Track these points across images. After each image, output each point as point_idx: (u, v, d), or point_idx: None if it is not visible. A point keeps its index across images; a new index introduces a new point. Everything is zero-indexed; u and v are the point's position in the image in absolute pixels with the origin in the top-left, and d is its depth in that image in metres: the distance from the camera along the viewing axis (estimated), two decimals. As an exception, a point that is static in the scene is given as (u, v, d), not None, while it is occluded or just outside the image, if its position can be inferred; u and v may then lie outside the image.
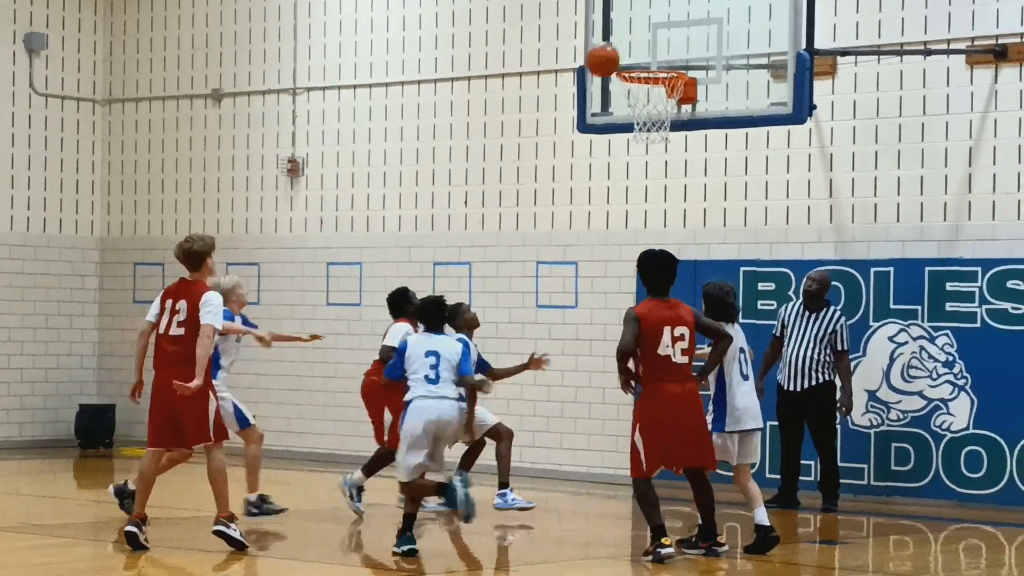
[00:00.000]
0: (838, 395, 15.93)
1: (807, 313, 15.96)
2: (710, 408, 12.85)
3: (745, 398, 12.81)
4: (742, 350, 12.94)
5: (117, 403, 21.44)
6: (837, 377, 15.90)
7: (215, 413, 12.56)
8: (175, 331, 12.54)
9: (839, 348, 15.83)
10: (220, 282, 14.17)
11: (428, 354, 12.51)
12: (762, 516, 12.75)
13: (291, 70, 20.68)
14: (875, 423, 16.54)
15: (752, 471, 13.10)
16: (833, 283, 16.70)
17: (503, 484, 15.24)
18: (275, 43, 20.77)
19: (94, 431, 21.17)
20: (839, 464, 16.15)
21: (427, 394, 12.39)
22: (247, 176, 20.98)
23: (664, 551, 12.23)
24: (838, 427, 16.17)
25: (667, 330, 12.37)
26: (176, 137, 21.59)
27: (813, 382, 15.84)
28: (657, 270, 12.76)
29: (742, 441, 12.85)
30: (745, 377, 12.90)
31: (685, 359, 12.42)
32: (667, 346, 12.34)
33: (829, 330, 15.82)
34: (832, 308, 16.02)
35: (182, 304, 12.53)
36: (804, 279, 16.17)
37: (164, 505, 15.75)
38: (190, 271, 12.86)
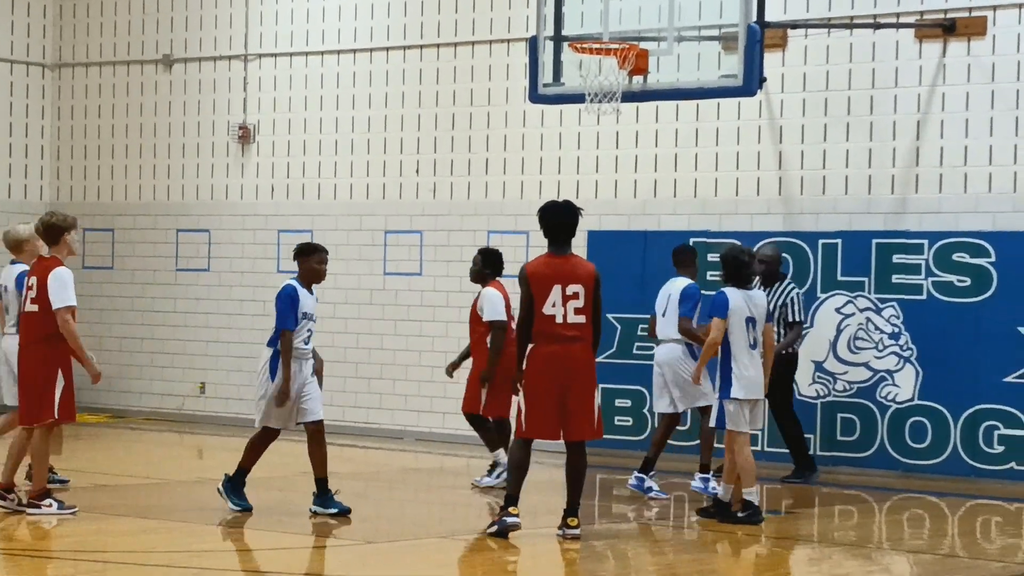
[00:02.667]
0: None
1: (764, 289, 15.92)
2: (717, 375, 12.91)
3: (754, 367, 12.77)
4: (751, 319, 12.76)
5: (66, 369, 21.37)
6: (794, 349, 15.94)
7: (61, 393, 12.23)
8: (29, 307, 12.39)
9: (789, 320, 15.86)
10: (16, 230, 13.85)
11: None
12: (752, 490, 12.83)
13: (243, 36, 20.62)
14: (821, 394, 16.68)
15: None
16: (782, 254, 16.82)
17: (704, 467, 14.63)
18: (227, 9, 20.70)
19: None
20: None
21: None
22: (198, 142, 20.93)
23: (510, 520, 11.85)
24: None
25: (557, 288, 11.77)
26: (127, 103, 21.50)
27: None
28: (554, 222, 12.11)
29: (752, 409, 12.88)
30: (752, 346, 12.79)
31: (580, 318, 11.80)
32: (553, 305, 11.76)
33: (780, 303, 15.87)
34: (785, 282, 16.04)
35: (34, 280, 12.37)
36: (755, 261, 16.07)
37: (122, 472, 15.76)
38: (48, 246, 12.64)
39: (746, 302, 12.80)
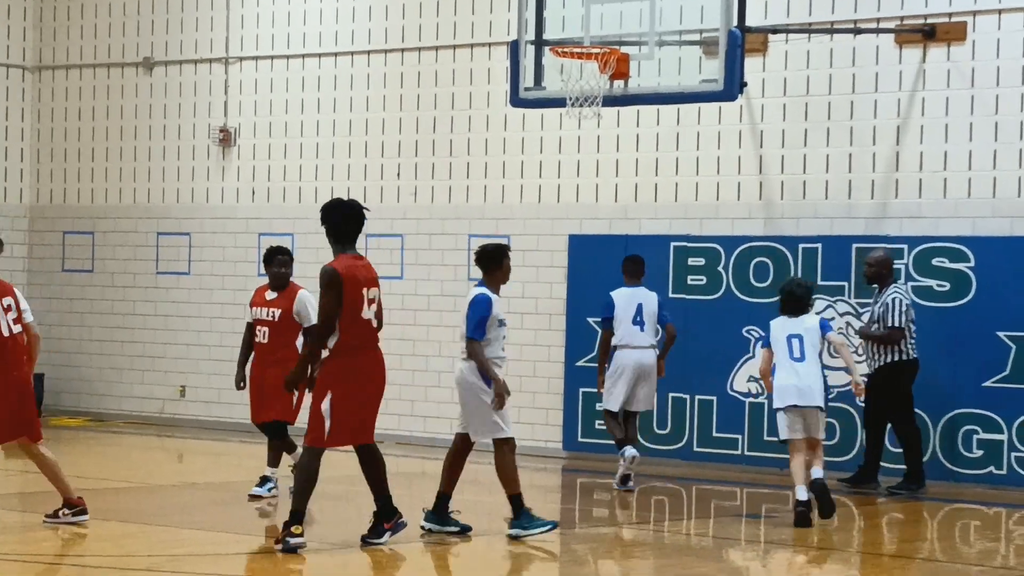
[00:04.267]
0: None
1: (876, 291, 15.78)
2: None
3: (786, 378, 13.35)
4: (794, 336, 13.37)
5: (46, 372, 21.34)
6: (906, 354, 15.60)
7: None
8: None
9: (888, 324, 15.49)
10: None
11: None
12: (801, 492, 13.18)
13: (224, 39, 20.61)
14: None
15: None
16: (761, 259, 16.88)
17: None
18: (208, 12, 20.68)
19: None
20: (766, 439, 16.33)
21: None
22: (178, 145, 20.91)
23: (294, 540, 11.10)
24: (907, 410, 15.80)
25: (365, 291, 11.37)
26: (107, 105, 21.48)
27: (877, 364, 15.68)
28: (349, 220, 11.60)
29: (791, 417, 13.38)
30: (796, 358, 13.34)
31: (376, 323, 11.53)
32: (367, 308, 11.35)
33: (882, 308, 15.62)
34: (893, 286, 15.64)
35: None
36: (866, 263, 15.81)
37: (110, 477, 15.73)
38: None
39: (785, 324, 13.52)
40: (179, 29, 20.92)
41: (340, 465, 16.37)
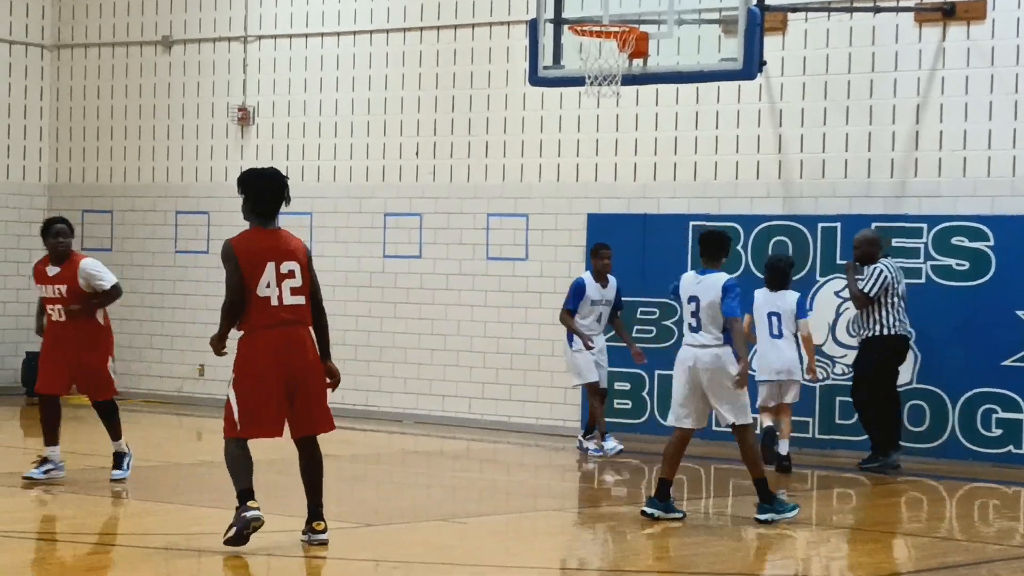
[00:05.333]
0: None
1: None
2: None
3: (767, 353, 15.35)
4: (775, 313, 15.18)
5: (65, 350, 21.38)
6: (889, 329, 15.60)
7: None
8: None
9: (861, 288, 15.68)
10: None
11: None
12: (784, 447, 15.33)
13: (242, 18, 20.60)
14: (820, 377, 16.68)
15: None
16: (780, 238, 16.85)
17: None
18: (226, -9, 20.68)
19: (42, 378, 21.06)
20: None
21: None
22: (197, 124, 20.91)
23: (250, 514, 10.51)
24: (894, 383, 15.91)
25: (271, 266, 10.50)
26: (126, 84, 21.49)
27: (861, 337, 15.77)
28: (261, 191, 10.66)
29: (769, 389, 15.44)
30: (775, 336, 15.25)
31: (299, 299, 10.56)
32: (267, 286, 10.49)
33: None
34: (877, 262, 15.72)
35: None
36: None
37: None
38: None
39: (768, 298, 15.15)
40: (197, 8, 20.91)
41: (358, 444, 16.41)
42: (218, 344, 10.68)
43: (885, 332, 15.55)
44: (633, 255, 17.65)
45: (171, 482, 14.10)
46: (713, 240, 12.22)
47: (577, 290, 16.13)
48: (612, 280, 16.29)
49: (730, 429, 12.26)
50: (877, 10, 16.56)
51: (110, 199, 21.48)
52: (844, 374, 16.59)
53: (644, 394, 17.58)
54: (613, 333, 16.56)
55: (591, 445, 16.24)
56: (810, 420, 16.70)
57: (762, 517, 12.15)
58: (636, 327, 17.58)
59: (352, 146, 19.73)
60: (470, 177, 18.90)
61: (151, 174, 21.23)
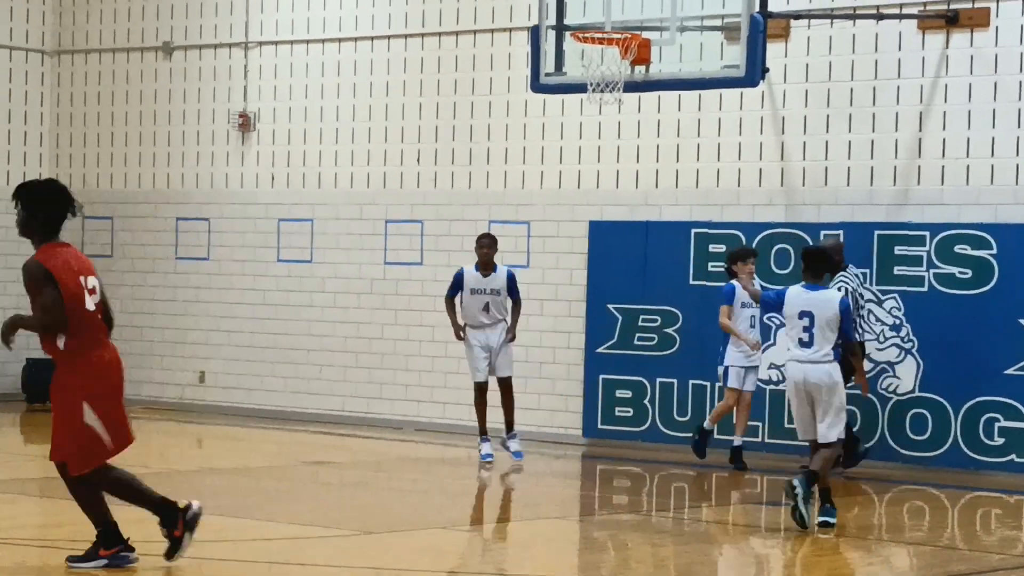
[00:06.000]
0: None
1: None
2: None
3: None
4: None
5: (65, 357, 21.35)
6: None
7: None
8: None
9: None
10: None
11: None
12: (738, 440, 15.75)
13: (243, 24, 20.58)
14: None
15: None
16: (782, 246, 16.83)
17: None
18: (227, -3, 20.66)
19: (41, 386, 21.02)
20: (787, 426, 16.29)
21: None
22: (198, 130, 20.89)
23: (132, 554, 10.10)
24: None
25: (83, 280, 9.85)
26: (126, 90, 21.46)
27: None
28: (53, 204, 9.86)
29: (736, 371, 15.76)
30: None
31: (97, 316, 10.01)
32: (88, 300, 9.86)
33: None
34: (839, 273, 15.61)
35: None
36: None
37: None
38: None
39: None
40: (198, 13, 20.89)
41: (359, 451, 16.39)
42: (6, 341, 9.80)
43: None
44: (635, 262, 17.62)
45: (171, 489, 14.03)
46: (817, 256, 12.53)
47: (455, 278, 16.25)
48: (501, 269, 16.22)
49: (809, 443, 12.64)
50: (880, 17, 16.53)
51: (111, 205, 21.45)
52: (846, 382, 16.52)
53: (645, 402, 17.54)
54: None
55: (512, 445, 16.12)
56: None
57: (832, 520, 12.40)
58: (638, 334, 17.54)
59: (353, 152, 19.71)
60: (471, 184, 18.88)
61: (152, 180, 21.21)
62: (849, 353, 12.38)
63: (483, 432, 16.17)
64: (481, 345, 16.07)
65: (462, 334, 16.11)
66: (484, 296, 16.08)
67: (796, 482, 12.21)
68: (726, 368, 16.00)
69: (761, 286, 16.05)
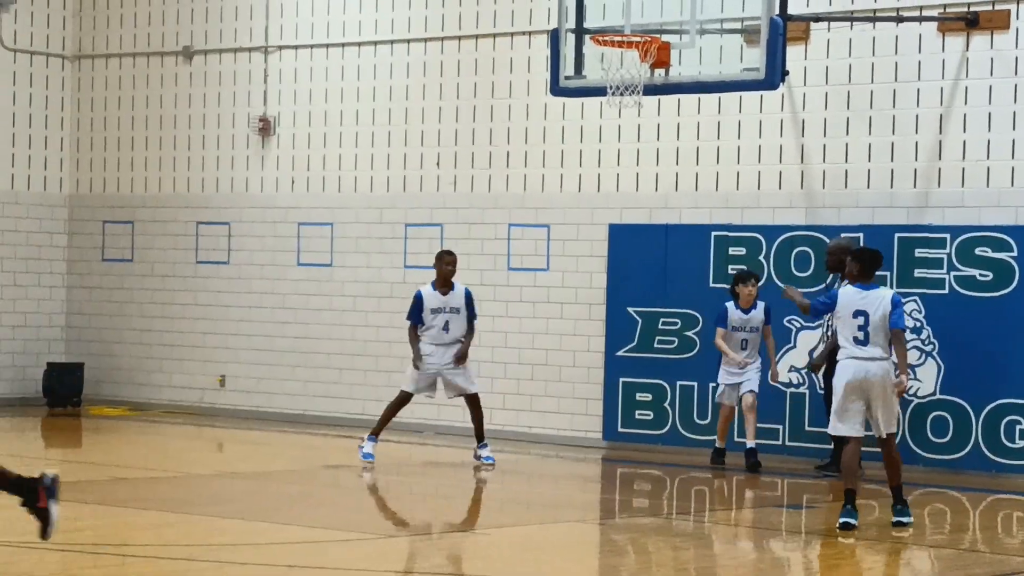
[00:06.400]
0: None
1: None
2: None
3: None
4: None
5: (85, 362, 21.41)
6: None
7: None
8: None
9: None
10: None
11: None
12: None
13: (263, 28, 20.61)
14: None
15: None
16: (802, 249, 16.80)
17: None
18: (247, 0, 20.68)
19: (62, 390, 21.13)
20: (807, 429, 16.30)
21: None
22: (218, 135, 20.92)
23: None
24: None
25: None
26: (147, 94, 21.50)
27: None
28: None
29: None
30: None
31: None
32: None
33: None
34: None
35: None
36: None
37: (138, 466, 15.78)
38: None
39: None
40: (219, 18, 20.93)
41: (379, 455, 16.39)
42: None
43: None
44: (655, 265, 17.61)
45: (192, 493, 14.08)
46: (873, 256, 12.86)
47: (415, 301, 16.07)
48: (459, 287, 16.11)
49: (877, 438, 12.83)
50: (900, 19, 16.50)
51: (131, 210, 21.49)
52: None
53: (665, 405, 17.52)
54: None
55: (484, 452, 16.07)
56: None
57: (905, 520, 12.72)
58: (658, 337, 17.53)
59: (373, 156, 19.72)
60: (491, 187, 18.88)
61: (172, 185, 21.25)
62: (895, 342, 12.61)
63: (377, 433, 16.05)
64: (434, 368, 15.95)
65: (419, 364, 15.90)
66: (445, 315, 15.94)
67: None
68: (718, 385, 16.42)
69: (766, 308, 16.13)
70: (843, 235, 16.32)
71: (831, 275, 15.87)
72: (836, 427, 12.78)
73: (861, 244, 16.42)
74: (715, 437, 16.55)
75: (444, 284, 16.03)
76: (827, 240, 16.70)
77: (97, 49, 21.87)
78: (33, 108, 21.70)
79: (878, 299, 12.66)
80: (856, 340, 12.59)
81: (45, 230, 21.77)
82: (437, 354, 15.92)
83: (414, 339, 15.99)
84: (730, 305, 16.28)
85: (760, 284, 16.45)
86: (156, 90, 21.42)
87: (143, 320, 21.40)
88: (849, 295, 12.74)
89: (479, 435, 16.13)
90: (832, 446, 15.99)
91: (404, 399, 16.12)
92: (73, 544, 11.31)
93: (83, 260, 21.85)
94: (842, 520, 12.43)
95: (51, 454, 17.79)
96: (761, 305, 16.28)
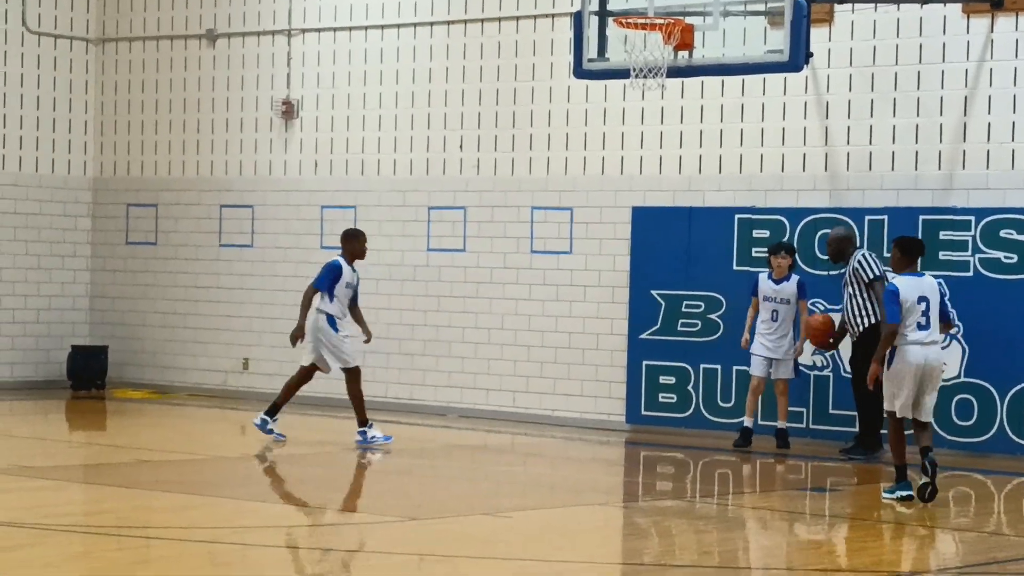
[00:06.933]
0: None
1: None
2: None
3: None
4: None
5: (109, 344, 21.46)
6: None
7: None
8: None
9: (867, 280, 15.74)
10: None
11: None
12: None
13: (286, 11, 20.60)
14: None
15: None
16: (826, 231, 16.74)
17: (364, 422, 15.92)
18: (270, -16, 20.69)
19: (86, 372, 21.19)
20: (831, 412, 16.27)
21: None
22: (241, 118, 20.93)
23: None
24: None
25: None
26: (170, 78, 21.52)
27: (859, 329, 15.79)
28: None
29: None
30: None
31: None
32: None
33: (849, 272, 15.82)
34: (854, 253, 15.90)
35: None
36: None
37: (161, 448, 15.82)
38: None
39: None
40: (242, 1, 20.92)
41: (402, 437, 16.39)
42: None
43: (876, 321, 15.46)
44: (678, 248, 17.58)
45: (216, 476, 14.11)
46: (918, 244, 13.39)
47: (333, 271, 15.94)
48: (357, 268, 16.24)
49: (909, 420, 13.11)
50: (924, 1, 16.42)
51: (155, 193, 21.52)
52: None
53: (689, 388, 17.50)
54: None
55: (377, 433, 16.02)
56: (857, 414, 16.58)
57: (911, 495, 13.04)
58: (681, 320, 17.51)
59: (396, 139, 19.71)
60: (514, 170, 18.86)
61: (195, 168, 21.27)
62: (946, 329, 13.27)
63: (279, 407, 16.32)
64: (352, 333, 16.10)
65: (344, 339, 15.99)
66: (352, 290, 16.02)
67: (930, 462, 12.92)
68: (751, 356, 16.41)
69: (799, 282, 16.12)
70: (921, 218, 16.21)
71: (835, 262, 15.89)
72: (893, 404, 13.07)
73: (885, 228, 16.40)
74: (741, 419, 16.48)
75: (354, 261, 16.10)
76: (852, 223, 16.66)
77: (121, 32, 21.88)
78: (57, 92, 21.73)
79: (931, 286, 13.16)
80: (920, 325, 12.96)
81: (69, 213, 21.82)
82: (351, 328, 16.12)
83: (324, 304, 15.88)
84: (762, 275, 16.43)
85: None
86: (180, 73, 21.43)
87: (167, 303, 21.43)
88: (910, 283, 13.05)
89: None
90: (857, 429, 15.99)
91: (359, 374, 16.14)
92: (97, 526, 11.34)
93: (107, 243, 21.89)
94: (906, 493, 12.91)
95: (75, 437, 17.84)
96: (795, 278, 16.31)
